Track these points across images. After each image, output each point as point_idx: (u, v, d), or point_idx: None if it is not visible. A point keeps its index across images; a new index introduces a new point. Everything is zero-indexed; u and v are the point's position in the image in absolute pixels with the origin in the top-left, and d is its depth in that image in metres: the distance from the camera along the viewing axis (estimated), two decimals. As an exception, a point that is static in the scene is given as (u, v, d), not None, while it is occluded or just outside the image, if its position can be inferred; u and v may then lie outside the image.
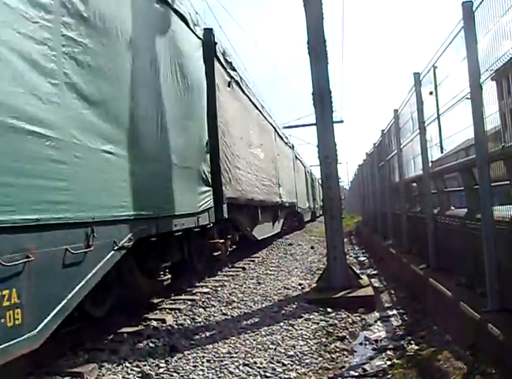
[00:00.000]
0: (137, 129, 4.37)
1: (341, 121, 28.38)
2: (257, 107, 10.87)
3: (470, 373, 2.77)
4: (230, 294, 6.24)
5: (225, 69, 7.88)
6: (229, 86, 8.12)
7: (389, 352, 3.77)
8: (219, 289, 6.64)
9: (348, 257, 7.95)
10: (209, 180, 6.47)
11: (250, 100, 10.15)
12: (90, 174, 3.45)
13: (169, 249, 5.37)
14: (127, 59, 4.29)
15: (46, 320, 2.79)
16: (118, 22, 4.09)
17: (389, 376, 3.26)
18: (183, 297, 6.08)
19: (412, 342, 3.91)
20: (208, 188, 6.39)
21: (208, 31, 7.02)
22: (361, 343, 4.13)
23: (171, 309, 5.41)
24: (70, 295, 3.07)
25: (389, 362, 3.53)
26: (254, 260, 9.86)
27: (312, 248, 12.41)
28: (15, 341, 2.52)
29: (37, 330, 2.70)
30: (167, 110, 5.14)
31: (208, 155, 6.52)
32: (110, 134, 3.80)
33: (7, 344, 2.46)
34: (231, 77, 8.29)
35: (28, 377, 3.25)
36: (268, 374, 3.34)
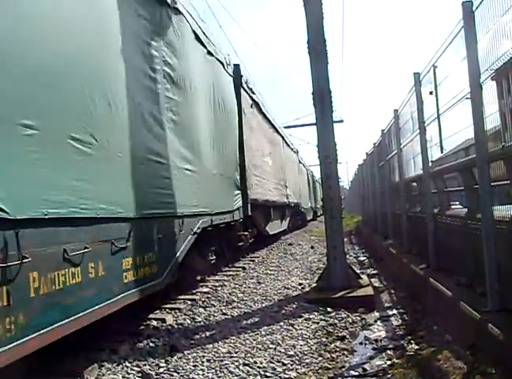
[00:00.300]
0: (202, 152, 6.28)
1: (341, 121, 28.38)
2: (269, 121, 12.66)
3: (470, 373, 2.77)
4: (230, 294, 6.24)
5: (248, 94, 9.78)
6: (251, 107, 10.02)
7: (389, 352, 3.77)
8: (219, 289, 6.64)
9: (348, 256, 7.95)
10: (239, 185, 8.36)
11: (265, 116, 11.94)
12: (181, 185, 5.25)
13: (212, 237, 6.88)
14: (196, 102, 6.15)
15: (165, 273, 4.71)
16: (188, 76, 5.88)
17: (389, 375, 3.26)
18: (183, 296, 6.08)
19: (412, 341, 3.91)
20: (238, 191, 8.28)
21: (237, 67, 8.96)
22: (361, 343, 4.13)
23: (171, 308, 5.41)
24: (174, 259, 5.01)
25: (389, 362, 3.53)
26: (253, 260, 9.86)
27: (312, 248, 12.41)
28: (155, 282, 4.45)
29: (162, 277, 4.64)
30: (217, 134, 7.10)
31: (238, 166, 8.38)
32: (188, 157, 5.65)
33: (152, 283, 4.38)
34: (253, 100, 10.25)
35: (28, 377, 3.25)
36: (268, 374, 3.34)
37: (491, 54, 3.19)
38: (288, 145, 16.94)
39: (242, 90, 9.07)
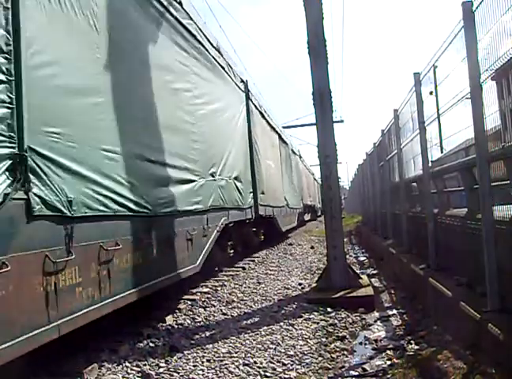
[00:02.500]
0: (294, 184, 17.52)
1: (341, 121, 28.51)
2: (305, 165, 25.42)
3: (470, 373, 2.77)
4: (230, 294, 6.25)
5: (300, 158, 21.68)
6: (302, 162, 22.35)
7: (388, 352, 3.77)
8: (219, 289, 6.64)
9: (347, 256, 7.96)
10: (301, 197, 19.65)
11: (303, 163, 23.92)
12: (294, 197, 16.88)
13: (297, 215, 18.16)
14: (291, 168, 17.13)
15: (296, 222, 17.79)
16: (296, 163, 19.20)
17: (388, 375, 3.26)
18: (183, 297, 6.08)
19: (411, 342, 3.91)
20: (300, 199, 19.23)
21: (298, 150, 21.65)
22: (361, 343, 4.14)
23: (171, 308, 5.41)
24: (297, 219, 18.19)
25: (389, 362, 3.53)
26: (253, 260, 9.86)
27: (312, 248, 12.41)
28: (295, 224, 17.81)
29: (296, 223, 17.92)
30: (295, 178, 17.68)
31: (302, 190, 20.29)
32: (296, 189, 18.24)
33: (295, 224, 17.97)
34: (301, 160, 22.59)
35: (28, 377, 3.25)
36: (268, 374, 3.34)
37: (491, 54, 3.19)
38: (309, 171, 28.46)
39: (300, 158, 21.59)
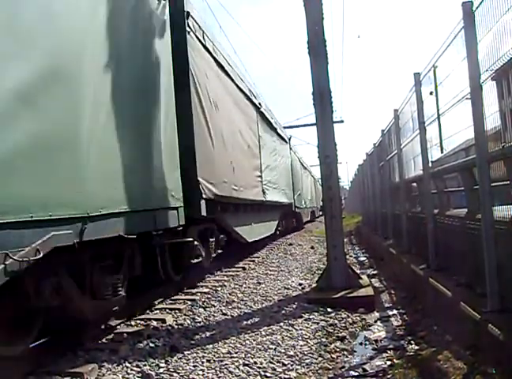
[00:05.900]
0: (315, 195, 28.58)
1: (341, 121, 28.45)
2: (317, 181, 29.00)
3: (470, 373, 2.77)
4: (230, 294, 6.24)
5: (317, 181, 28.37)
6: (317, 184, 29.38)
7: (389, 352, 3.77)
8: (219, 289, 6.64)
9: (348, 256, 7.96)
10: (316, 200, 28.83)
11: (318, 183, 27.52)
12: (315, 201, 28.81)
13: (310, 213, 27.26)
14: (315, 185, 28.97)
15: (312, 215, 28.48)
16: (315, 185, 28.87)
17: (389, 376, 3.26)
18: (183, 297, 6.08)
19: (412, 342, 3.91)
20: (316, 202, 29.13)
21: (318, 179, 26.59)
22: (361, 343, 4.13)
23: (170, 309, 5.41)
24: (313, 214, 28.48)
25: (389, 362, 3.53)
26: (254, 260, 9.86)
27: (312, 248, 12.41)
28: (314, 217, 29.96)
29: (316, 216, 30.96)
30: (315, 193, 28.20)
31: (315, 196, 28.17)
32: (313, 194, 27.97)
33: (310, 219, 27.32)
34: (317, 182, 28.28)
35: (28, 377, 3.25)
36: (268, 374, 3.34)
37: (491, 54, 3.19)
38: (313, 176, 32.03)
39: (318, 182, 27.37)
